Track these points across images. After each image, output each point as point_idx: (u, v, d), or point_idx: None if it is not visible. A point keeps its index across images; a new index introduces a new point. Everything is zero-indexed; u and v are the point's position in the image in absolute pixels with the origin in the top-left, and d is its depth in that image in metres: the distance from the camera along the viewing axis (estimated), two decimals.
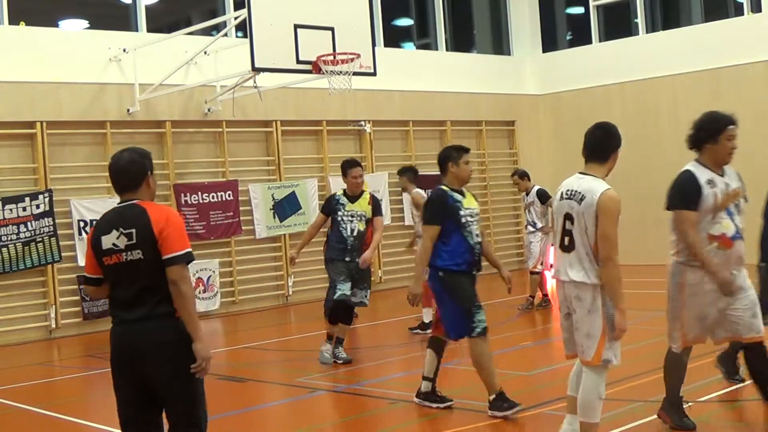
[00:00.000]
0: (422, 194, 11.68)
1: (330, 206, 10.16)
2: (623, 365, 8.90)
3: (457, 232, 7.30)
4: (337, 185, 16.46)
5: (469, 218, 7.37)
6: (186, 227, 16.11)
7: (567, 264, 5.79)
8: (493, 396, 7.30)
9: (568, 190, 5.83)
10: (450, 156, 7.46)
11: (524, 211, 14.03)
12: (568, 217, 5.78)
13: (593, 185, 5.70)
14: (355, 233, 9.94)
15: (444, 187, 7.45)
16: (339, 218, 10.00)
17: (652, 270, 17.65)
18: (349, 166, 10.15)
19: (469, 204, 7.44)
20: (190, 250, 4.82)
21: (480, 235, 7.50)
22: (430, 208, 7.49)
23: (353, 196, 10.08)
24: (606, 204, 5.60)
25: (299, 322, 14.23)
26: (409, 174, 12.40)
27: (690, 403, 6.73)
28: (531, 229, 13.56)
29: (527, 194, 13.65)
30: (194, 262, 15.54)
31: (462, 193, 7.48)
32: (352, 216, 9.98)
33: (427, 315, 11.60)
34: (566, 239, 5.79)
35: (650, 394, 7.55)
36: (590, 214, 5.63)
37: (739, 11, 18.55)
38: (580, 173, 5.89)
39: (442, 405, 7.65)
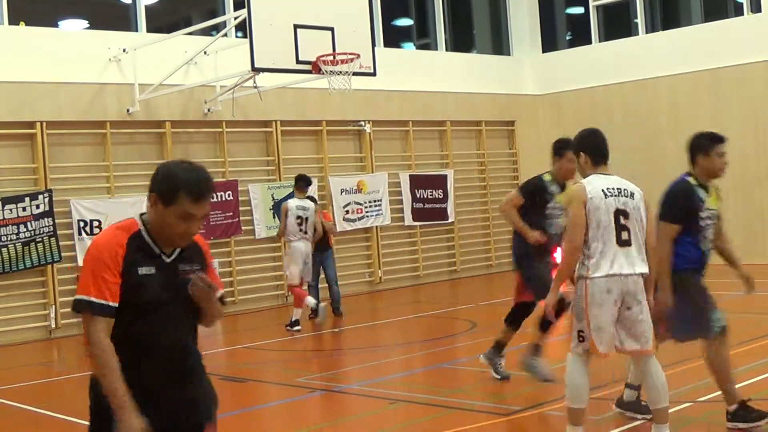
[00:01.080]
0: (289, 206, 12.53)
1: (537, 191, 8.28)
2: (623, 365, 8.92)
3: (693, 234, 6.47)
4: (337, 185, 16.55)
5: (708, 221, 6.53)
6: None
7: (628, 258, 5.89)
8: (735, 407, 6.47)
9: (611, 188, 5.97)
10: (701, 145, 6.54)
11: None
12: (621, 213, 5.91)
13: (630, 183, 6.09)
14: (560, 231, 8.00)
15: (690, 180, 6.51)
16: (547, 210, 8.26)
17: None
18: (564, 147, 8.25)
19: (712, 204, 6.56)
20: (84, 298, 3.53)
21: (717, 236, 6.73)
22: (670, 203, 6.47)
23: (561, 184, 8.25)
24: (645, 198, 6.05)
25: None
26: (300, 183, 12.96)
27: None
28: None
29: None
30: None
31: (707, 189, 6.54)
32: (561, 210, 8.06)
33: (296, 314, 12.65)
34: (624, 234, 5.90)
35: None
36: (642, 208, 6.00)
37: (738, 11, 18.54)
38: (603, 174, 6.10)
39: (648, 416, 6.55)
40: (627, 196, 5.95)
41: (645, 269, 5.94)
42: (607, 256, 5.84)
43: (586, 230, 5.88)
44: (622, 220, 5.89)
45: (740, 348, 9.30)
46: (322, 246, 13.50)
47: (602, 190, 5.93)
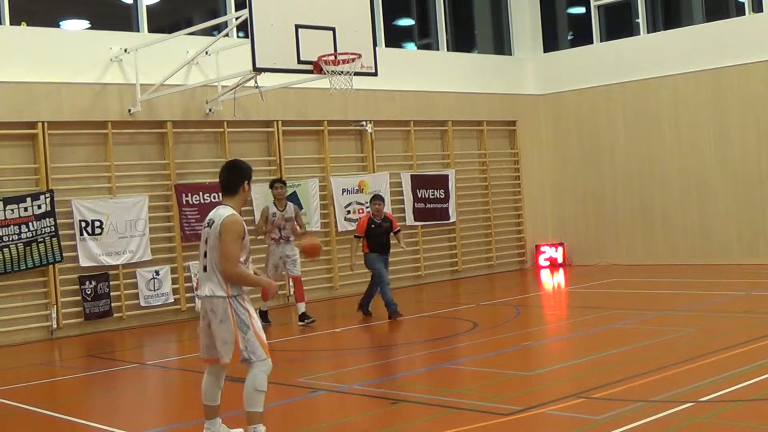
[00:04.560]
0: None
1: None
2: (623, 365, 8.94)
3: None
4: (338, 185, 16.56)
5: None
6: (187, 227, 16.07)
7: (204, 281, 6.69)
8: None
9: (208, 219, 6.73)
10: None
11: None
12: (205, 242, 6.68)
13: (221, 212, 6.65)
14: None
15: None
16: None
17: (655, 269, 17.68)
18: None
19: None
20: None
21: None
22: None
23: None
24: (226, 225, 6.54)
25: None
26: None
27: None
28: None
29: None
30: (196, 262, 15.58)
31: None
32: None
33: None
34: (204, 260, 6.69)
35: (650, 394, 7.56)
36: (216, 236, 6.57)
37: (740, 11, 18.54)
38: (222, 204, 6.75)
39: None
40: (209, 226, 6.65)
41: (209, 291, 6.57)
42: (201, 279, 6.75)
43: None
44: (204, 248, 6.66)
45: (740, 348, 9.32)
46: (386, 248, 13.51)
47: (205, 223, 6.75)
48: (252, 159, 15.77)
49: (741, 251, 17.46)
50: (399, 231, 13.79)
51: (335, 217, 16.59)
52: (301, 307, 13.22)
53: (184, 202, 14.71)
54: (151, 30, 15.20)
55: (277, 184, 13.32)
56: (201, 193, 14.86)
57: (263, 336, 6.66)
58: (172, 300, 14.56)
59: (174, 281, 14.60)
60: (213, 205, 14.90)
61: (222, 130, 15.32)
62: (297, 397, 8.60)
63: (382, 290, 13.26)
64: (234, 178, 6.79)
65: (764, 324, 10.98)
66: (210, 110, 15.14)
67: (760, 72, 17.24)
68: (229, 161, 7.14)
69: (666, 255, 18.41)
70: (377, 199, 13.68)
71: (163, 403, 9.41)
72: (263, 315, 13.00)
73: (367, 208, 16.97)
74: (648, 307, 13.16)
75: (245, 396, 6.55)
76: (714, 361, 8.76)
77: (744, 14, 18.18)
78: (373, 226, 13.34)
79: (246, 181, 6.81)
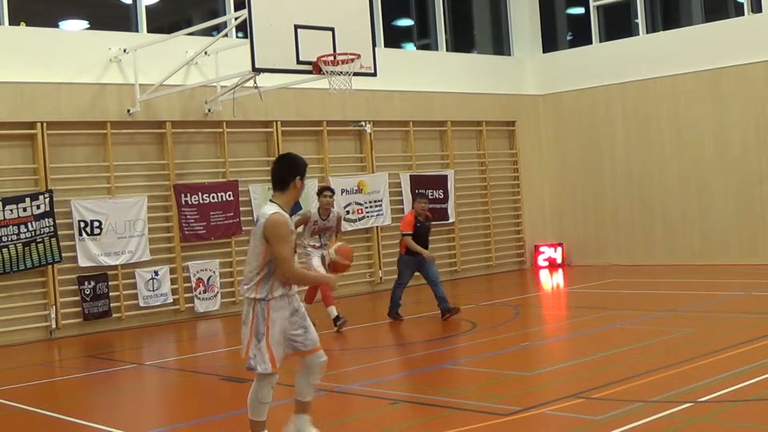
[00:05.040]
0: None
1: None
2: (623, 365, 8.94)
3: None
4: (337, 185, 16.55)
5: None
6: (186, 227, 16.04)
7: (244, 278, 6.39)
8: None
9: (255, 217, 6.43)
10: None
11: None
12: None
13: (265, 210, 6.27)
14: None
15: None
16: None
17: (654, 269, 17.69)
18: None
19: None
20: None
21: None
22: None
23: None
24: (270, 228, 6.15)
25: None
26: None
27: None
28: None
29: None
30: (195, 262, 15.59)
31: None
32: None
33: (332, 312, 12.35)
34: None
35: (650, 394, 7.56)
36: (259, 234, 6.20)
37: (739, 11, 18.54)
38: (271, 201, 6.38)
39: None
40: (255, 223, 6.32)
41: (242, 290, 6.33)
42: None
43: None
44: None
45: (739, 348, 9.32)
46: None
47: (255, 219, 6.42)
48: (251, 159, 15.81)
49: (740, 251, 17.46)
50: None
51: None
52: (332, 311, 12.42)
53: (183, 203, 14.70)
54: (150, 30, 15.20)
55: (326, 192, 12.50)
56: (200, 194, 14.84)
57: (277, 350, 6.33)
58: (171, 300, 14.55)
59: (173, 281, 14.60)
60: (212, 206, 15.05)
61: (221, 130, 15.31)
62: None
63: (394, 289, 13.15)
64: (285, 172, 6.30)
65: (763, 324, 10.98)
66: (209, 110, 15.14)
67: (760, 72, 17.24)
68: (282, 154, 6.61)
69: (665, 255, 18.41)
70: (423, 197, 13.32)
71: (162, 404, 9.41)
72: (335, 320, 12.31)
73: (366, 208, 16.98)
74: (647, 307, 13.16)
75: (248, 404, 6.53)
76: (713, 361, 8.76)
77: (743, 14, 18.19)
78: (418, 224, 12.88)
79: (298, 176, 6.29)
